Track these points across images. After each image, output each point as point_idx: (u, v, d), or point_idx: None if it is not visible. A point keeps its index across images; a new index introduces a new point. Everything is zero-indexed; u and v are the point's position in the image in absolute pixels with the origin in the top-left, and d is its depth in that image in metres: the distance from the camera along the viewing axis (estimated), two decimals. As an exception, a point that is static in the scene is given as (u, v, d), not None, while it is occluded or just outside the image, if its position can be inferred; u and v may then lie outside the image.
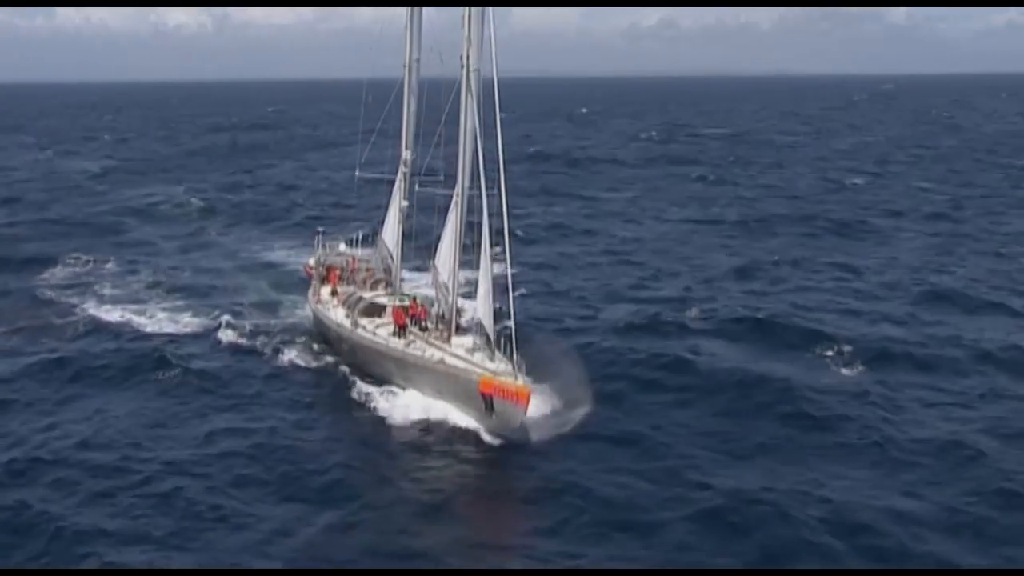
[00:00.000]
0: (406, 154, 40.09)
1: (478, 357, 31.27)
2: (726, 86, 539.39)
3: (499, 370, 29.82)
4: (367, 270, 42.55)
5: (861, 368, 36.54)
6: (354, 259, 43.90)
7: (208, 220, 74.86)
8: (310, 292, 42.66)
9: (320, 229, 47.34)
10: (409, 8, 38.83)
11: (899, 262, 55.97)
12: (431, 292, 37.53)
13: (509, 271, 31.63)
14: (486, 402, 29.45)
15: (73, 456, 28.76)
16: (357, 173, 42.59)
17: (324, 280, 42.27)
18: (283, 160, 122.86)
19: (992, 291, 48.49)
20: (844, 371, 36.41)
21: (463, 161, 34.32)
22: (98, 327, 43.40)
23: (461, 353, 31.85)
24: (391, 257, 41.50)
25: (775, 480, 26.93)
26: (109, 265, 57.20)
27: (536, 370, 31.43)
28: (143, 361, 37.82)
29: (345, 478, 27.44)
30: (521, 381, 28.99)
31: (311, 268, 44.27)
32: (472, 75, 33.76)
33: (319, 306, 40.16)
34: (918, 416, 32.08)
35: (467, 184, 34.54)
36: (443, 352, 32.31)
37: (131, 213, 78.25)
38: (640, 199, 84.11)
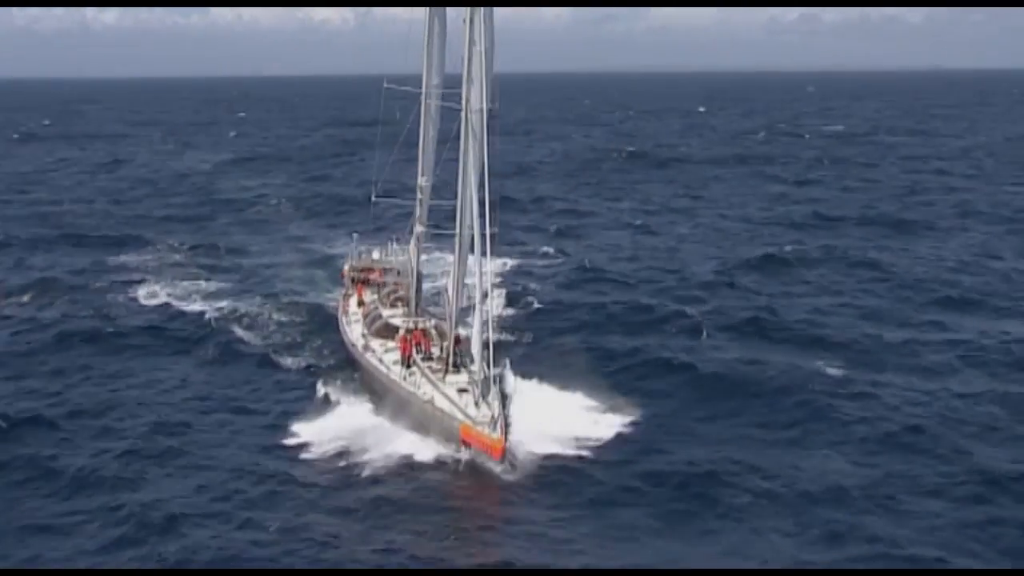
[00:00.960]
0: (422, 180, 39.22)
1: (465, 400, 31.03)
2: (867, 82, 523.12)
3: (479, 419, 29.61)
4: (394, 283, 41.99)
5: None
6: (382, 271, 43.51)
7: (293, 212, 78.78)
8: (340, 298, 43.42)
9: (356, 232, 47.64)
10: (427, 29, 37.71)
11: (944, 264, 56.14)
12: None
13: (491, 280, 33.34)
14: (466, 447, 29.64)
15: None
16: (373, 198, 40.70)
17: (353, 288, 42.61)
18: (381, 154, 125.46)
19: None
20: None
21: (461, 202, 34.01)
22: (151, 306, 47.95)
23: (452, 393, 31.58)
24: (412, 277, 40.91)
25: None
26: (185, 251, 61.75)
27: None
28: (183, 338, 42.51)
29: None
30: (497, 434, 28.78)
31: (345, 273, 44.79)
32: (474, 116, 33.55)
33: (343, 317, 40.49)
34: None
35: (469, 222, 33.75)
36: (435, 390, 31.98)
37: (223, 204, 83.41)
38: (708, 199, 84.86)
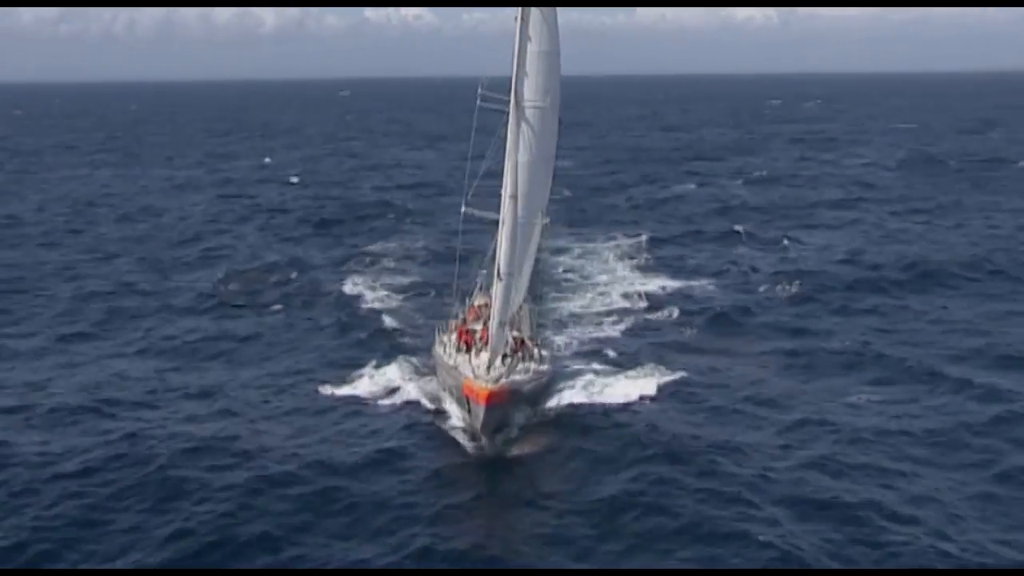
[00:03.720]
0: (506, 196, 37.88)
1: (480, 362, 36.35)
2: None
3: (479, 373, 34.58)
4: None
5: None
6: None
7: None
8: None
9: (482, 270, 43.71)
10: (518, 32, 35.96)
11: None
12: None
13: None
14: (468, 402, 34.64)
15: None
16: (464, 208, 39.08)
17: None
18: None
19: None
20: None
21: (506, 194, 36.46)
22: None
23: (477, 361, 36.85)
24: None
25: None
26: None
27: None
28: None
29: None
30: (486, 384, 33.84)
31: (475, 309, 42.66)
32: (531, 112, 35.75)
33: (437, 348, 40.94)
34: None
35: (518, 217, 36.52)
36: (466, 361, 37.19)
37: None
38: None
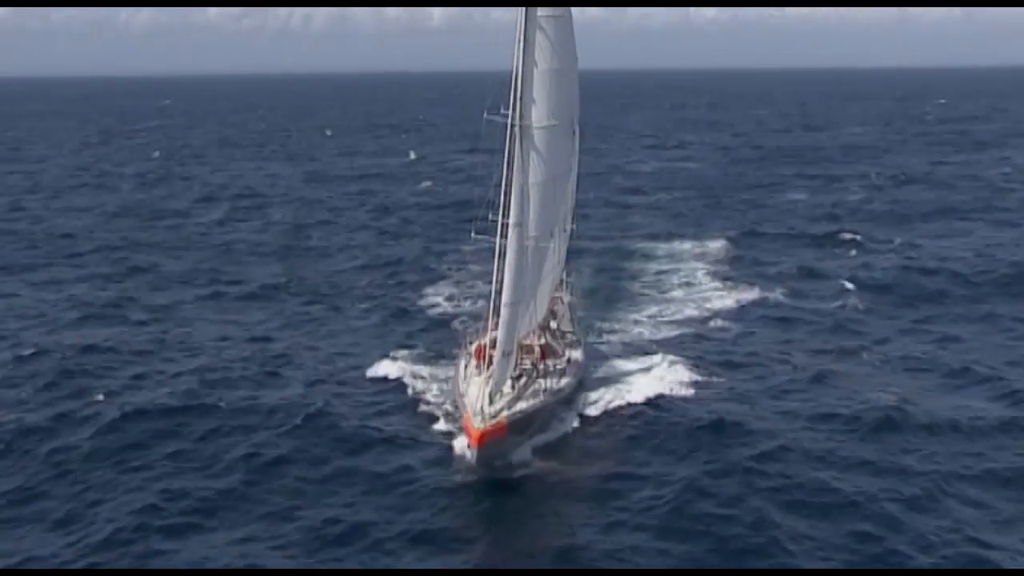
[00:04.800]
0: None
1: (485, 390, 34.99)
2: None
3: (476, 410, 33.48)
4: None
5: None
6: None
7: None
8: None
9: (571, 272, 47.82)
10: (519, 36, 34.25)
11: None
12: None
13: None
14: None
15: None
16: (473, 235, 37.45)
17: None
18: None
19: None
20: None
21: (510, 222, 35.13)
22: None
23: (481, 386, 35.54)
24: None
25: None
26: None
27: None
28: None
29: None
30: (480, 423, 32.52)
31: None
32: (538, 133, 34.71)
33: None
34: None
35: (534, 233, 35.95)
36: (476, 387, 35.90)
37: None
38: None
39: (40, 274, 68.15)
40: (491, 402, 34.70)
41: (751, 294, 59.65)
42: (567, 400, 38.57)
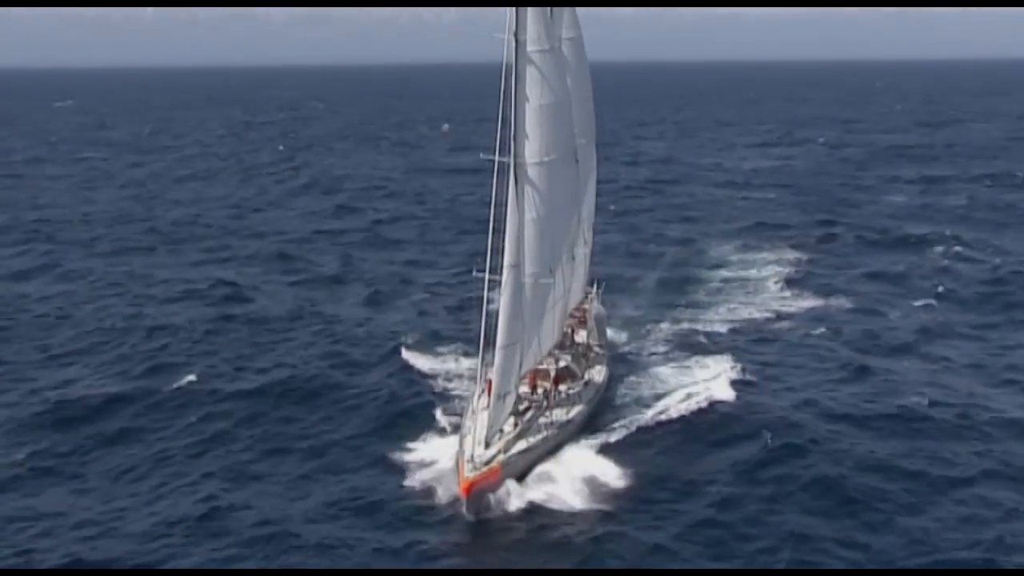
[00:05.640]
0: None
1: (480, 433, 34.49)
2: None
3: (468, 457, 33.04)
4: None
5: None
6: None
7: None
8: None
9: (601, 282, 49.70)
10: (512, 90, 33.59)
11: None
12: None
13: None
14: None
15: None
16: (475, 273, 36.39)
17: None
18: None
19: None
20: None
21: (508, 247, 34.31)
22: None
23: (480, 432, 34.87)
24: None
25: None
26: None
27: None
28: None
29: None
30: (471, 471, 32.07)
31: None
32: (534, 169, 34.13)
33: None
34: None
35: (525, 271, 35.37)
36: (479, 423, 35.26)
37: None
38: None
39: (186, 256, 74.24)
40: (487, 446, 34.02)
41: (823, 297, 58.93)
42: (578, 429, 37.66)
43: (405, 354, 47.51)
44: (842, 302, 58.24)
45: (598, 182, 46.22)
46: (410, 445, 37.24)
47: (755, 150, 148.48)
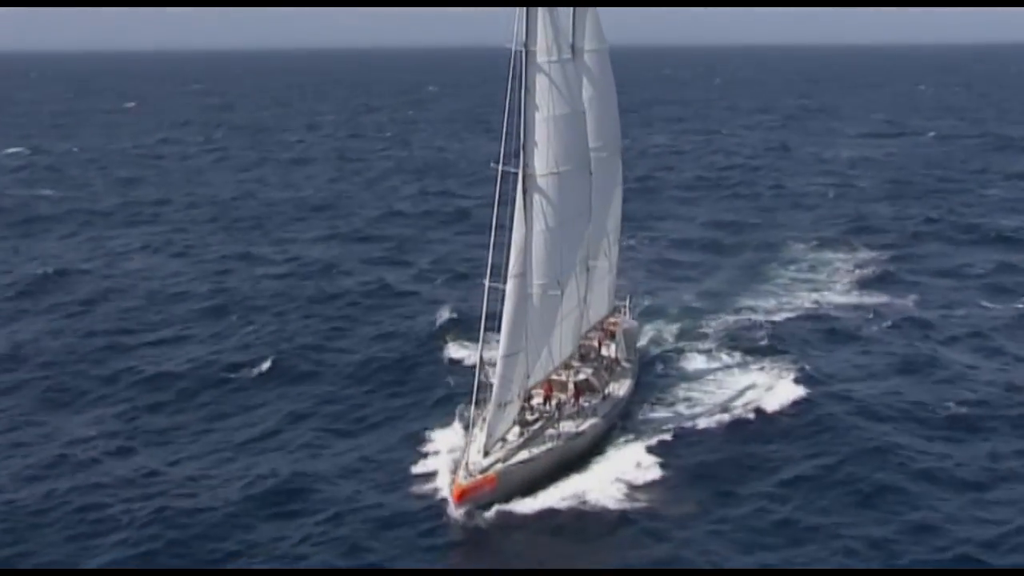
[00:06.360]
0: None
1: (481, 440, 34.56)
2: None
3: (461, 462, 33.38)
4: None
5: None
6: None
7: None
8: None
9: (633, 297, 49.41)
10: (521, 100, 33.31)
11: None
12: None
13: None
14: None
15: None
16: (487, 283, 36.27)
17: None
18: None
19: None
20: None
21: (514, 259, 34.21)
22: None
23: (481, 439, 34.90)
24: None
25: None
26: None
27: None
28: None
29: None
30: (464, 479, 32.30)
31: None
32: (544, 181, 34.03)
33: None
34: None
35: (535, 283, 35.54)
36: (481, 434, 35.16)
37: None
38: None
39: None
40: (486, 454, 33.95)
41: (898, 295, 58.06)
42: (590, 442, 37.18)
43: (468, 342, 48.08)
44: (918, 300, 57.24)
45: (627, 184, 45.74)
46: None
47: (860, 140, 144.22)
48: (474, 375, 35.71)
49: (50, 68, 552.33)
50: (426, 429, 38.74)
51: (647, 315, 52.56)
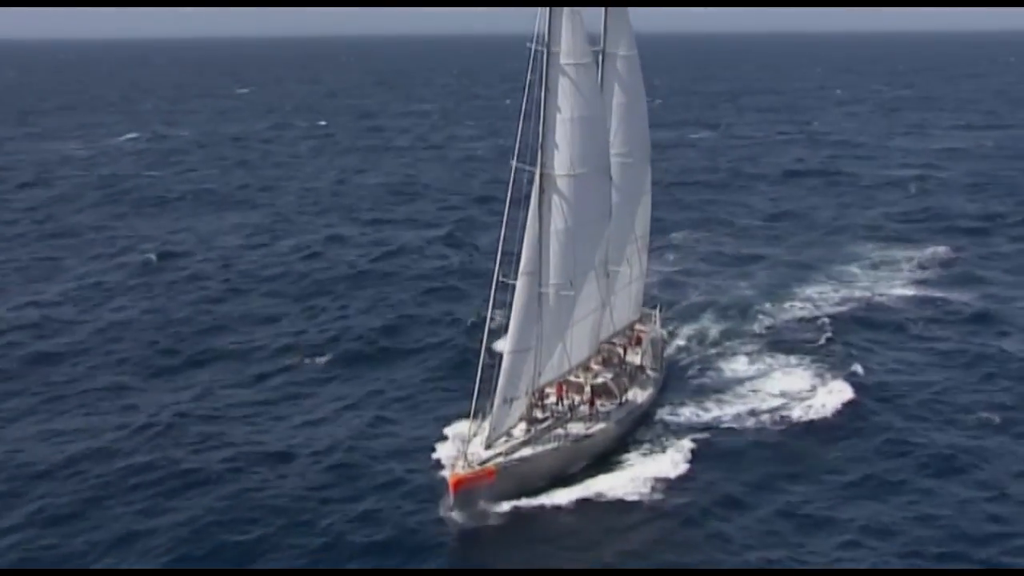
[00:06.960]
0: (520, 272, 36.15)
1: (483, 439, 34.72)
2: None
3: (461, 453, 33.68)
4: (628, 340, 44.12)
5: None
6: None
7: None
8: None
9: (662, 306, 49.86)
10: (531, 69, 33.02)
11: None
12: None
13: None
14: None
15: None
16: (500, 278, 36.19)
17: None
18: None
19: None
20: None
21: (528, 257, 34.44)
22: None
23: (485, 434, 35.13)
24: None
25: None
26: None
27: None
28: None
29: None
30: (462, 469, 32.51)
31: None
32: (563, 181, 34.05)
33: None
34: None
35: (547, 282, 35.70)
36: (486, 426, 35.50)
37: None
38: None
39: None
40: (488, 447, 33.95)
41: (960, 290, 57.94)
42: (599, 446, 36.95)
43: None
44: (983, 298, 56.66)
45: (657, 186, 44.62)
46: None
47: (952, 131, 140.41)
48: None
49: (168, 54, 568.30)
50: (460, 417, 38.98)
51: (698, 309, 53.47)
